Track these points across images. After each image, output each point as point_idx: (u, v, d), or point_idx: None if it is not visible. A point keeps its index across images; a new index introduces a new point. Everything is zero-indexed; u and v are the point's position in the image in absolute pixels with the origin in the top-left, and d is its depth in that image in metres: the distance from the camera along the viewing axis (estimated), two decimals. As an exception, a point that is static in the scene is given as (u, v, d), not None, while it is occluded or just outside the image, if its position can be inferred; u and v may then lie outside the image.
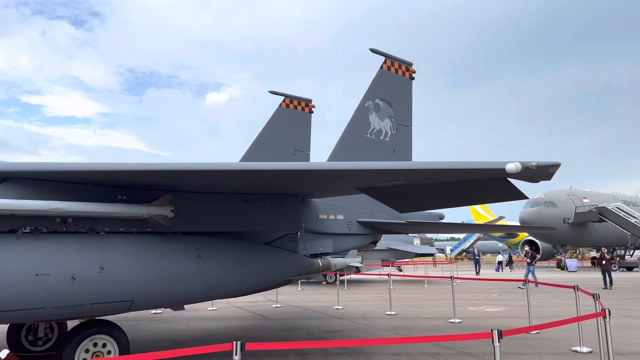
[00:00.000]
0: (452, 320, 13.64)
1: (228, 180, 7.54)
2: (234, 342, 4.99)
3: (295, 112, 15.82)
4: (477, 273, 36.73)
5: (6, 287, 6.02)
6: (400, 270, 38.38)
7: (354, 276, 26.74)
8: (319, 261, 10.49)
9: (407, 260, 34.38)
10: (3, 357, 9.25)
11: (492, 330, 5.29)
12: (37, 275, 6.24)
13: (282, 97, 15.82)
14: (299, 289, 24.68)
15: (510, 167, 5.76)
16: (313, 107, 16.31)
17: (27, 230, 6.60)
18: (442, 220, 13.80)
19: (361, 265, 11.24)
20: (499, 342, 5.21)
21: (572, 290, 10.82)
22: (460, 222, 24.71)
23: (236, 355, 4.94)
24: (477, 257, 39.78)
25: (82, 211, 6.70)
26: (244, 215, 8.55)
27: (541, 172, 6.17)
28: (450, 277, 14.71)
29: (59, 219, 6.83)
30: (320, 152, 15.85)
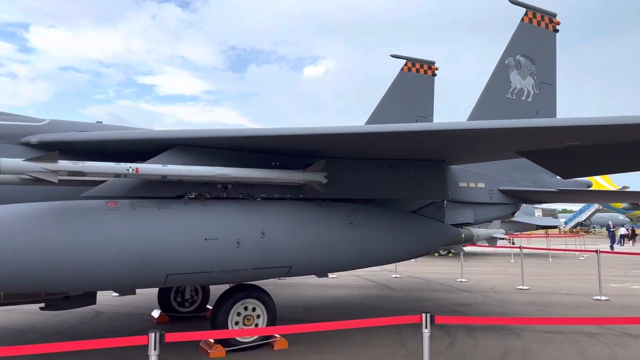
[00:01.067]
0: (598, 297, 12.48)
1: (383, 143, 7.16)
2: (423, 315, 4.67)
3: (417, 75, 15.11)
4: (612, 247, 33.73)
5: (180, 251, 6.20)
6: (513, 243, 36.40)
7: (468, 248, 25.70)
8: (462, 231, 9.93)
9: (517, 232, 32.34)
10: (156, 317, 9.85)
11: None
12: (206, 239, 6.36)
13: (404, 61, 15.16)
14: (413, 260, 24.21)
15: None
16: (436, 69, 15.47)
17: (193, 196, 6.74)
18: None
19: (505, 236, 10.51)
20: None
21: None
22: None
23: (426, 328, 4.63)
24: (611, 230, 36.47)
25: (245, 177, 6.73)
26: (390, 182, 8.23)
27: None
28: (596, 251, 13.40)
29: (220, 185, 6.92)
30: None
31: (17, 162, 5.35)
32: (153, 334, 3.94)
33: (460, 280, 16.16)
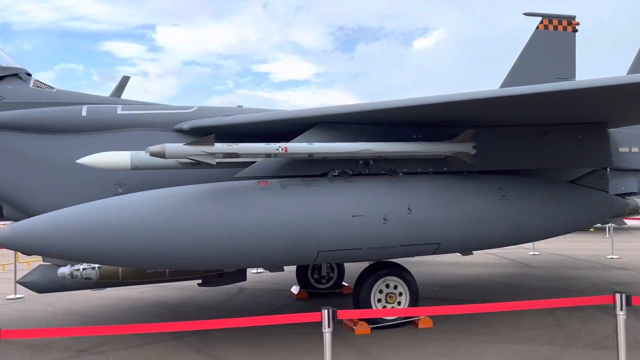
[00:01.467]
0: None
1: (540, 105, 6.47)
2: (617, 295, 4.11)
3: (555, 33, 13.63)
4: None
5: (329, 228, 6.19)
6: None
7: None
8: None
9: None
10: (295, 293, 10.13)
11: None
12: (353, 216, 6.27)
13: (539, 19, 13.75)
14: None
15: None
16: (577, 24, 13.82)
17: (336, 173, 6.68)
18: None
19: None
20: None
21: None
22: None
23: (621, 310, 4.07)
24: None
25: (389, 151, 6.51)
26: (545, 150, 7.53)
27: None
28: None
29: (361, 161, 6.77)
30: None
31: (179, 147, 5.62)
32: (326, 311, 3.90)
33: (611, 257, 14.59)
